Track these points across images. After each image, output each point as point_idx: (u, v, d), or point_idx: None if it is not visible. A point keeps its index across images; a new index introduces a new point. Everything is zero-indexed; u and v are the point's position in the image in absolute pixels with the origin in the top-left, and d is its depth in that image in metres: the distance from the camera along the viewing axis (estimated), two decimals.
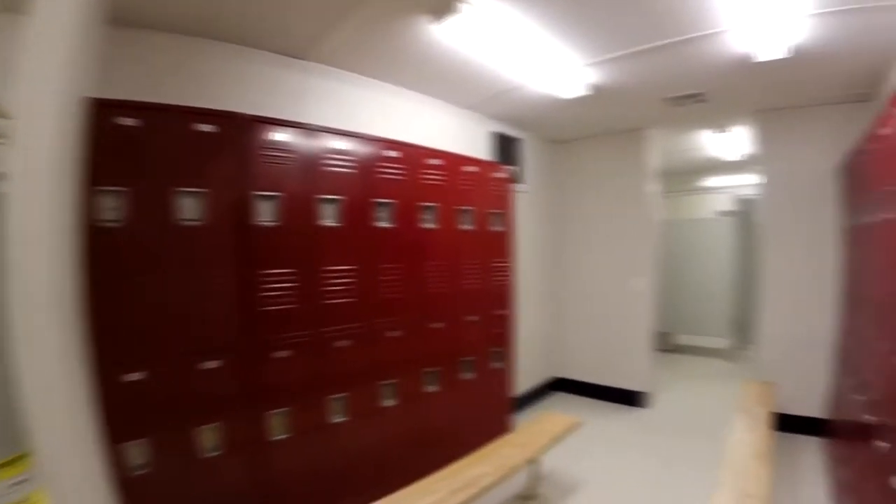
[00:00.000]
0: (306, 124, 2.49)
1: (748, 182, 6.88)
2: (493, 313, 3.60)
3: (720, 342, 6.77)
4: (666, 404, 4.87)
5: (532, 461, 2.87)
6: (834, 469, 3.17)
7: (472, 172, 3.41)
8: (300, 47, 2.81)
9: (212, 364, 2.09)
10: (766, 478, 2.35)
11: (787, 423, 3.85)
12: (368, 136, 2.79)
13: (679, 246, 6.86)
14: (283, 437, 2.34)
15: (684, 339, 7.15)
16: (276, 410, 2.32)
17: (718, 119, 4.57)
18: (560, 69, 3.17)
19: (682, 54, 2.93)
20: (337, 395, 2.59)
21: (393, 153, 2.89)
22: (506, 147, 4.50)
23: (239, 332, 2.22)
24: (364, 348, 2.73)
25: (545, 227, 5.20)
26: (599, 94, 3.54)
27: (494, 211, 3.58)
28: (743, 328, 6.75)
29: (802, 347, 3.98)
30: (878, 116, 2.45)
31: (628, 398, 4.86)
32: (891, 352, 2.15)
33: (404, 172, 2.94)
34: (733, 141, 5.30)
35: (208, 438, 2.07)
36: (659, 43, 2.78)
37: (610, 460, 3.67)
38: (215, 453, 2.09)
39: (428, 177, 3.09)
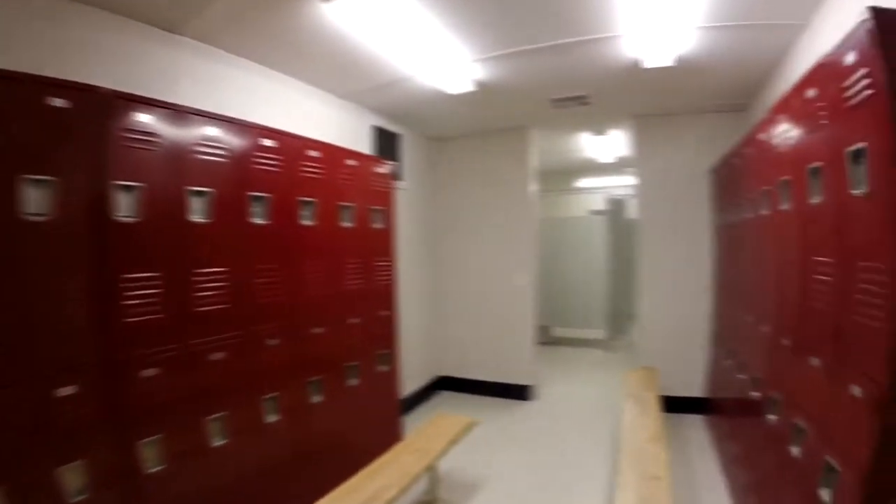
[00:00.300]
0: (176, 105, 2.25)
1: (620, 183, 7.77)
2: (377, 314, 3.58)
3: (596, 333, 7.47)
4: (552, 396, 5.27)
5: (432, 467, 2.89)
6: (721, 443, 3.68)
7: (352, 166, 3.34)
8: (173, 19, 2.56)
9: (67, 390, 1.78)
10: (664, 459, 2.66)
11: (671, 405, 4.37)
12: (245, 122, 2.59)
13: (555, 243, 7.48)
14: (159, 468, 2.07)
15: (561, 332, 7.78)
16: (147, 439, 2.04)
17: (599, 122, 5.03)
18: (448, 63, 3.25)
19: (572, 56, 3.18)
20: (215, 415, 2.39)
21: (270, 142, 2.71)
22: (386, 142, 4.52)
23: (98, 348, 1.92)
24: (242, 360, 2.55)
25: (426, 225, 5.33)
26: (486, 91, 3.71)
27: (376, 207, 3.55)
28: (617, 319, 7.59)
29: (680, 334, 4.62)
30: (758, 124, 2.89)
31: (514, 392, 5.16)
32: (773, 334, 2.57)
33: (282, 164, 2.80)
34: (610, 144, 5.88)
35: (72, 480, 1.75)
36: (550, 43, 2.99)
37: (505, 456, 3.88)
38: (82, 497, 1.78)
39: (307, 170, 2.97)
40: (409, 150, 4.93)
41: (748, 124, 4.17)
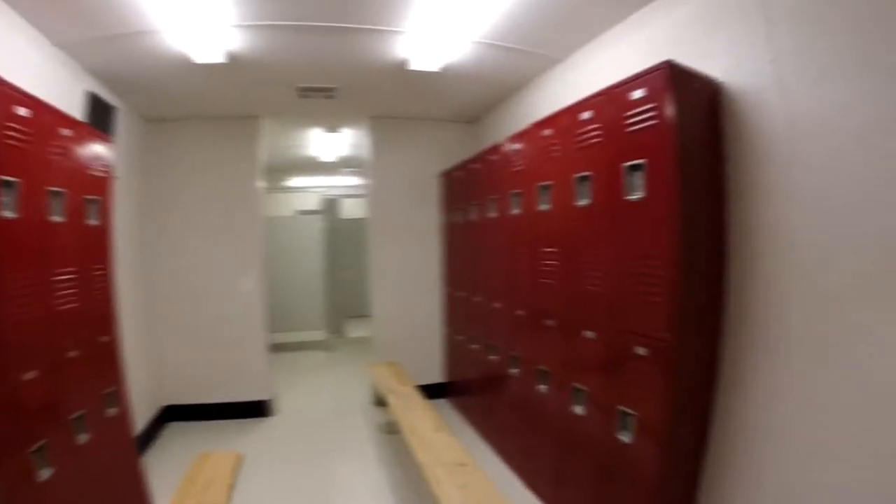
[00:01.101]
0: None
1: (334, 183, 7.93)
2: (97, 341, 2.69)
3: (315, 335, 7.35)
4: (292, 407, 4.97)
5: None
6: (482, 419, 4.12)
7: (67, 138, 2.43)
8: None
9: None
10: (458, 445, 2.83)
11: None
12: None
13: (268, 244, 6.82)
14: None
15: (280, 337, 7.23)
16: None
17: (337, 119, 4.93)
18: (205, 23, 2.70)
19: (341, 43, 3.03)
20: None
21: None
22: (100, 116, 3.42)
23: None
24: None
25: (138, 222, 4.30)
26: (235, 66, 3.26)
27: (91, 197, 2.67)
28: (335, 318, 7.66)
29: (415, 327, 4.98)
30: (513, 136, 3.32)
31: (253, 410, 4.69)
32: (534, 318, 2.99)
33: None
34: (336, 142, 5.82)
35: None
36: (327, 24, 2.78)
37: (273, 483, 3.45)
38: None
39: (12, 135, 2.02)
40: (123, 130, 3.85)
41: (477, 135, 4.91)
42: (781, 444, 1.97)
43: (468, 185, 4.29)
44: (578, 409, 2.66)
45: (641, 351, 2.21)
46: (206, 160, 4.61)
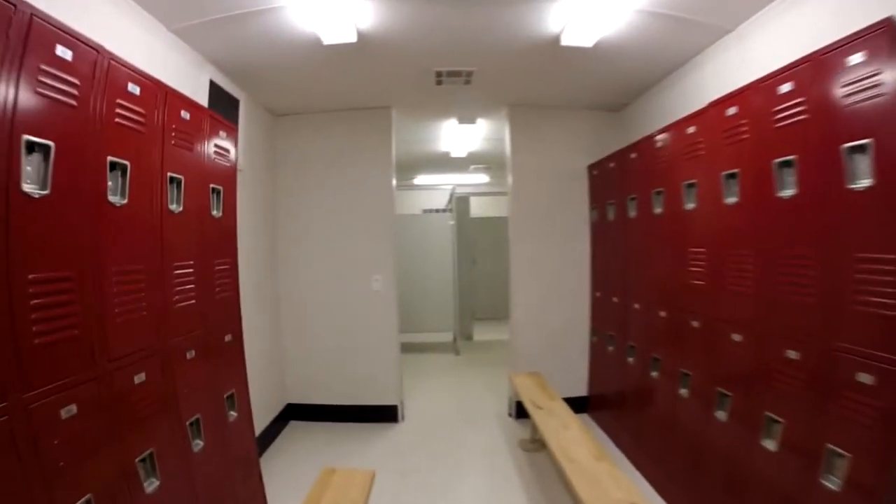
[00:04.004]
0: None
1: (464, 181, 7.73)
2: (220, 340, 2.52)
3: (443, 336, 7.13)
4: (421, 413, 4.75)
5: None
6: (633, 441, 3.59)
7: (186, 122, 2.23)
8: None
9: None
10: (624, 479, 2.38)
11: None
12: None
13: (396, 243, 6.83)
14: None
15: (406, 337, 7.02)
16: None
17: (472, 107, 4.59)
18: None
19: (487, 16, 2.68)
20: None
21: (67, 54, 1.54)
22: (223, 108, 3.34)
23: None
24: None
25: (263, 218, 4.29)
26: (365, 47, 3.00)
27: (215, 187, 2.49)
28: (464, 321, 7.39)
29: (558, 335, 4.54)
30: (682, 120, 2.87)
31: (380, 414, 4.54)
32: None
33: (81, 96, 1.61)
34: (468, 136, 5.56)
35: None
36: None
37: (396, 501, 3.17)
38: None
39: (125, 113, 1.80)
40: (247, 123, 3.86)
41: (624, 125, 4.43)
42: None
43: (623, 178, 3.81)
44: (769, 445, 2.11)
45: (865, 378, 1.69)
46: (336, 156, 4.51)
